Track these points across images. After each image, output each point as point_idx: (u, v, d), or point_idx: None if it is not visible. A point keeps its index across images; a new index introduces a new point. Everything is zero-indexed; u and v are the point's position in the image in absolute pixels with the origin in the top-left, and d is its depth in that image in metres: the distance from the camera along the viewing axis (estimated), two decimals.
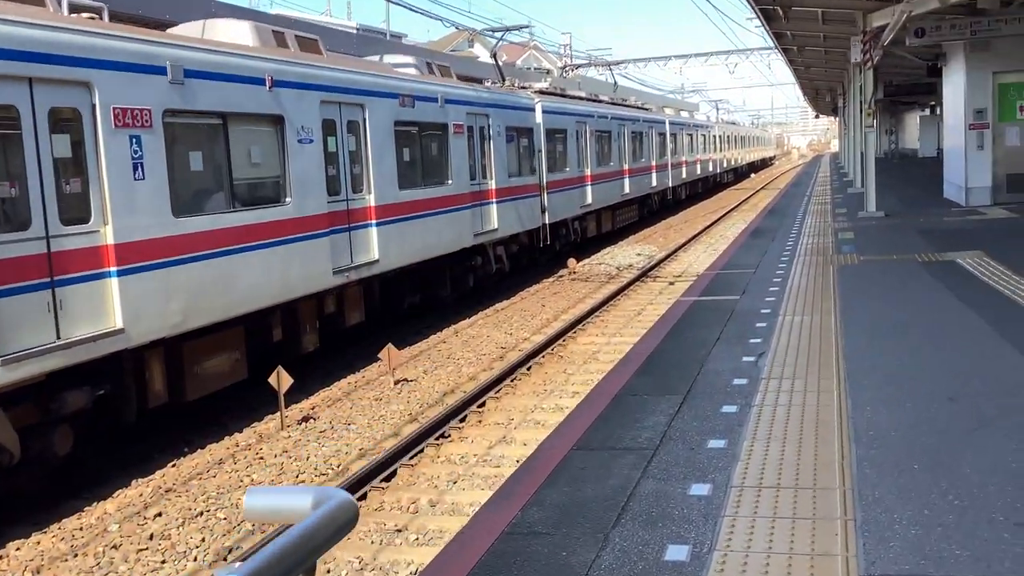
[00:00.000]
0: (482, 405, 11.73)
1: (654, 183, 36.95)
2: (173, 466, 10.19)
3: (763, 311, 11.10)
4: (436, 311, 18.37)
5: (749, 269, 14.96)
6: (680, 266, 23.80)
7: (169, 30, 13.41)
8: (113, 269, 9.58)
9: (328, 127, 13.95)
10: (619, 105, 34.69)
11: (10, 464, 8.59)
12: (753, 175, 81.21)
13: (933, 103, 49.78)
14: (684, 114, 53.97)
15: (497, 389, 12.36)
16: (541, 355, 14.17)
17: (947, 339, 8.91)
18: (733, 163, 67.64)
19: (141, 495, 9.29)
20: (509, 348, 15.21)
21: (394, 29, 52.75)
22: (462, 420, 11.14)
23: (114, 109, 9.70)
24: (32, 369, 8.59)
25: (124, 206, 9.76)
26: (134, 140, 9.97)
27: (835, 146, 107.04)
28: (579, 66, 55.39)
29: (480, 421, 11.24)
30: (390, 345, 13.01)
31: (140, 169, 10.04)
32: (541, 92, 25.52)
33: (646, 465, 5.93)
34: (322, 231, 13.48)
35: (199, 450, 10.68)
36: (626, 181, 31.93)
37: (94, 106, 9.49)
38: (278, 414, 11.39)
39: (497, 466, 9.57)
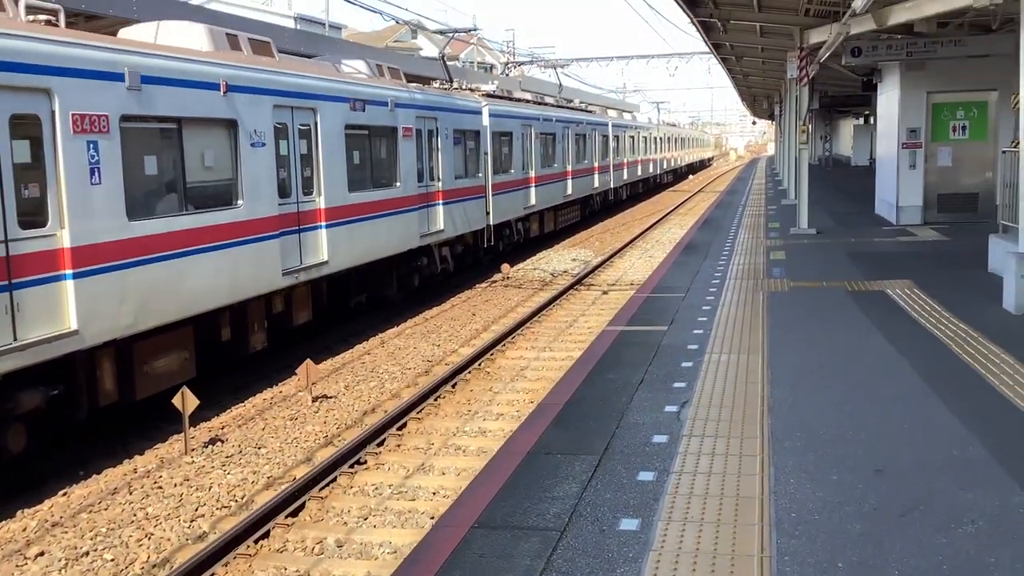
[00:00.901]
0: (403, 427, 10.76)
1: (596, 184, 36.28)
2: (64, 494, 9.12)
3: (690, 347, 10.18)
4: (381, 310, 17.56)
5: (679, 293, 13.91)
6: (615, 273, 22.61)
7: (122, 31, 12.81)
8: (69, 272, 9.34)
9: (280, 131, 13.44)
10: (564, 108, 33.96)
11: None
12: (692, 176, 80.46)
13: (868, 112, 48.97)
14: (627, 116, 53.31)
15: (419, 409, 11.37)
16: (468, 370, 13.12)
17: (875, 390, 8.09)
18: (673, 164, 67.07)
19: (25, 529, 8.29)
20: (436, 361, 14.10)
21: (334, 19, 51.06)
22: (380, 444, 10.15)
23: (73, 115, 9.41)
24: None
25: (80, 210, 9.48)
26: (91, 145, 9.67)
27: (771, 149, 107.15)
28: (522, 63, 54.18)
29: (399, 445, 10.26)
30: (308, 361, 11.97)
31: (97, 173, 9.78)
32: (488, 95, 24.72)
33: (550, 554, 5.12)
34: (273, 233, 13.03)
35: (95, 475, 9.60)
36: (569, 182, 31.24)
37: (53, 112, 9.22)
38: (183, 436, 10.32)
39: (412, 499, 8.67)
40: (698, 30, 23.63)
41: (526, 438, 7.24)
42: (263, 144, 12.74)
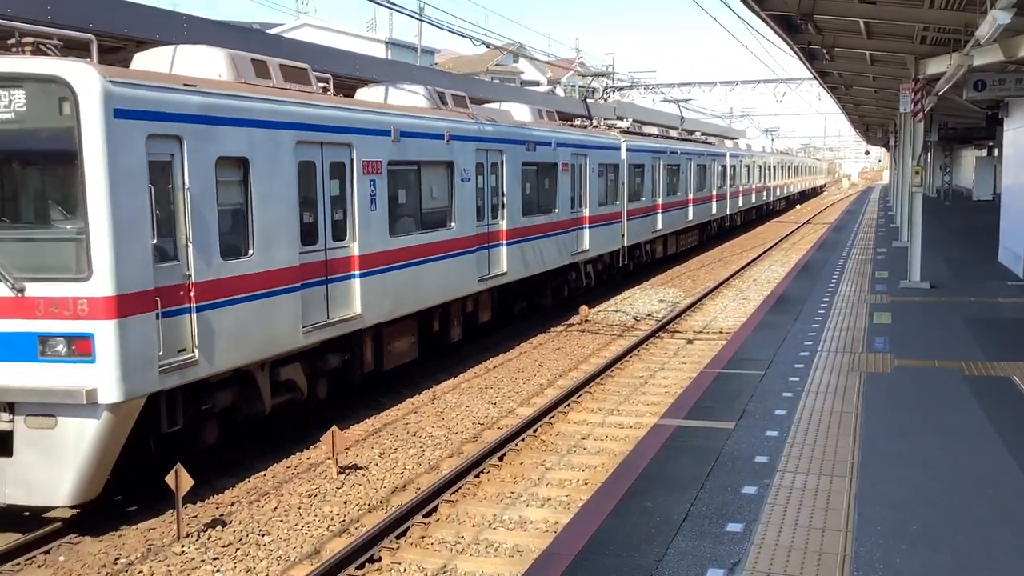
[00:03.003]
0: (432, 511, 10.24)
1: (714, 211, 41.92)
2: None
3: (758, 459, 9.14)
4: (523, 320, 22.79)
5: (758, 369, 13.10)
6: (704, 318, 22.78)
7: (359, 92, 17.78)
8: (357, 272, 14.17)
9: (479, 168, 18.68)
10: (687, 140, 39.50)
11: (301, 399, 13.30)
12: (799, 206, 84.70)
13: (992, 144, 48.76)
14: (742, 144, 58.30)
15: (456, 488, 10.88)
16: (521, 437, 12.88)
17: (999, 550, 6.88)
18: (785, 192, 72.18)
19: None
20: (488, 424, 13.96)
21: (426, 44, 56.06)
22: (401, 536, 9.58)
23: (363, 162, 14.33)
24: (317, 337, 13.21)
25: (364, 229, 14.31)
26: (372, 183, 14.58)
27: (887, 177, 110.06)
28: (622, 88, 58.15)
29: (424, 537, 9.61)
30: (334, 428, 11.85)
31: (374, 203, 14.66)
32: (625, 132, 30.29)
33: None
34: (472, 248, 18.26)
35: (72, 565, 9.22)
36: (690, 209, 36.86)
37: (352, 160, 14.08)
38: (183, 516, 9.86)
39: None
40: (800, 58, 23.75)
41: None
42: (469, 179, 18.08)
